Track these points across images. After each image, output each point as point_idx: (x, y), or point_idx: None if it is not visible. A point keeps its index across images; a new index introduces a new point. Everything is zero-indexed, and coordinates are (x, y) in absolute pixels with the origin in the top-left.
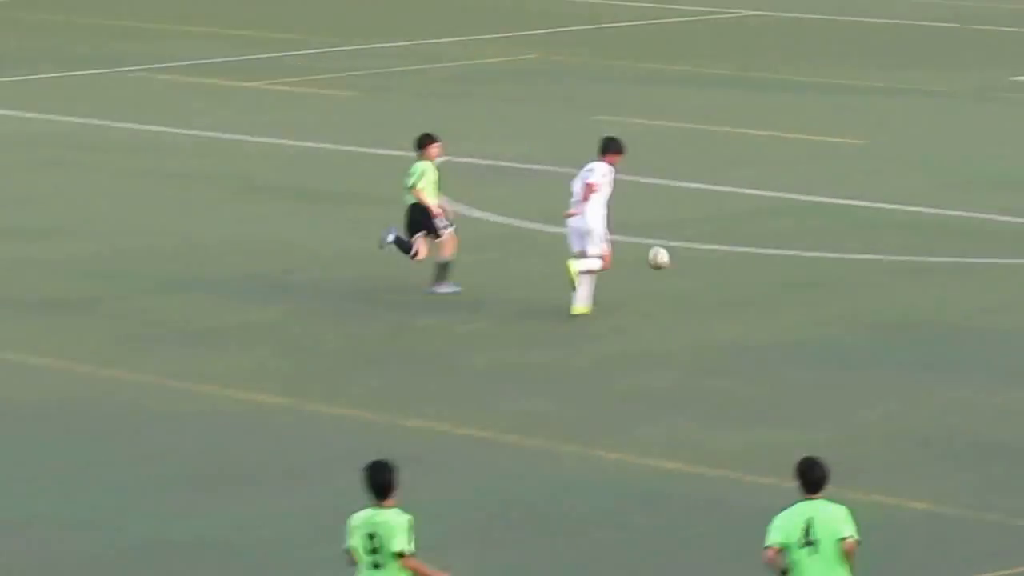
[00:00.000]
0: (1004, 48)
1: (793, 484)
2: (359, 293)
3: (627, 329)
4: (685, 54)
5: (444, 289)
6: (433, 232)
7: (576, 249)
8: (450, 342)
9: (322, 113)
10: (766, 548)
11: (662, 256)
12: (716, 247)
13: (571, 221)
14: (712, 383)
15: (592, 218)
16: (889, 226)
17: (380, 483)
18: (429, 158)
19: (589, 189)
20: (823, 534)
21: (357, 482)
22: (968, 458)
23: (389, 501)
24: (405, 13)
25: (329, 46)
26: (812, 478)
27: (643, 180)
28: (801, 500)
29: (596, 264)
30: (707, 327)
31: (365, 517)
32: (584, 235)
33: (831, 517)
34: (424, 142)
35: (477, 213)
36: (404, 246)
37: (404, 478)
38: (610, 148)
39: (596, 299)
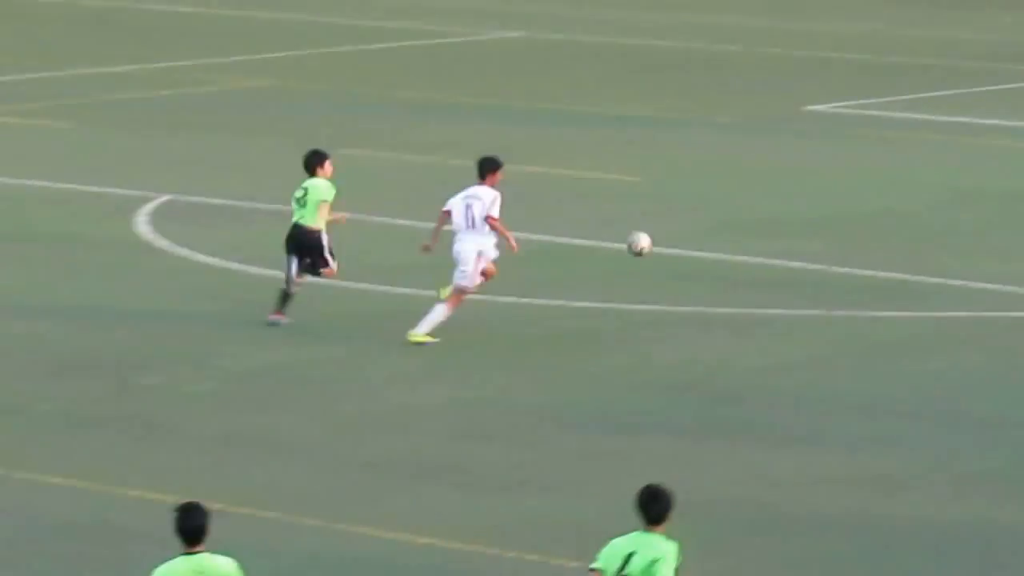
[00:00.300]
0: (796, 75)
1: (561, 562)
2: (76, 349)
3: (377, 387)
4: (440, 81)
5: (281, 320)
6: (317, 265)
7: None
8: (176, 404)
9: (30, 146)
10: (590, 569)
11: (643, 241)
12: (476, 296)
13: (460, 247)
14: (471, 447)
15: (476, 246)
16: (667, 273)
17: (193, 527)
18: (326, 175)
19: (489, 222)
20: (638, 571)
21: (75, 553)
22: (757, 531)
23: (200, 547)
24: (126, 34)
25: (35, 71)
26: (651, 512)
27: (392, 220)
28: (640, 530)
29: (441, 313)
30: (466, 384)
31: (188, 566)
32: (460, 265)
33: (654, 555)
34: (319, 159)
35: (201, 257)
36: (286, 295)
37: (126, 555)
38: (488, 168)
39: (337, 355)
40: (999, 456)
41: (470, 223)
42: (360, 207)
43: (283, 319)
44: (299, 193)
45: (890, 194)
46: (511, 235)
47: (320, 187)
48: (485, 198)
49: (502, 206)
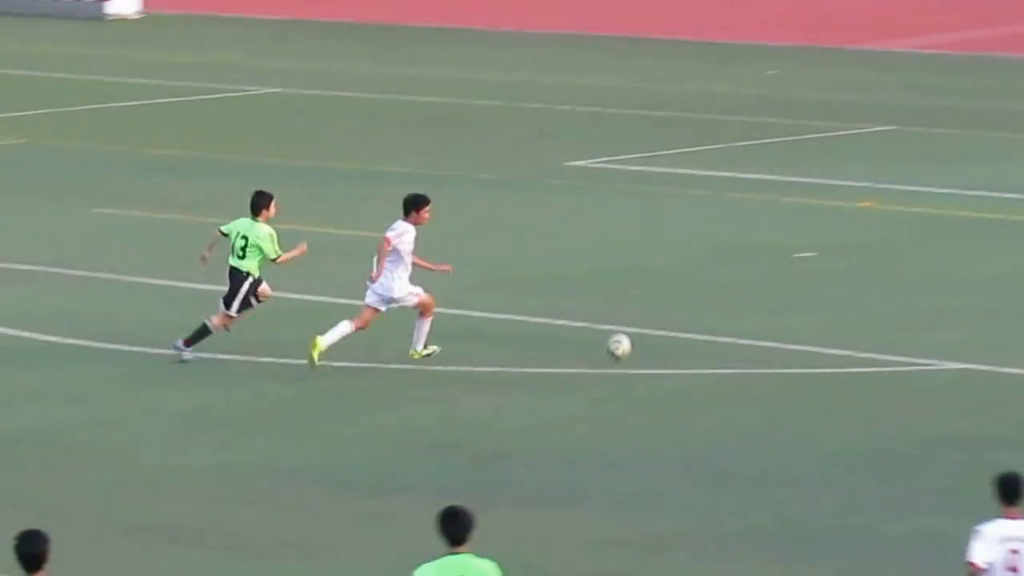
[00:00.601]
0: (558, 130)
1: None
2: None
3: (134, 450)
4: (196, 138)
5: (188, 354)
6: (246, 305)
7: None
8: None
9: None
10: None
11: (624, 345)
12: (235, 357)
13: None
14: (233, 510)
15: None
16: (432, 331)
17: (32, 553)
18: (267, 219)
19: (380, 243)
20: None
21: None
22: None
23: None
24: None
25: None
26: (452, 532)
27: (148, 281)
28: (447, 554)
29: (344, 329)
30: (228, 447)
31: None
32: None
33: (479, 573)
34: (265, 202)
35: None
36: (204, 333)
37: None
38: (413, 205)
39: (95, 418)
40: (765, 514)
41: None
42: (115, 267)
43: (188, 353)
44: (236, 238)
45: (655, 250)
46: (381, 266)
47: (263, 238)
48: (401, 231)
49: (416, 242)
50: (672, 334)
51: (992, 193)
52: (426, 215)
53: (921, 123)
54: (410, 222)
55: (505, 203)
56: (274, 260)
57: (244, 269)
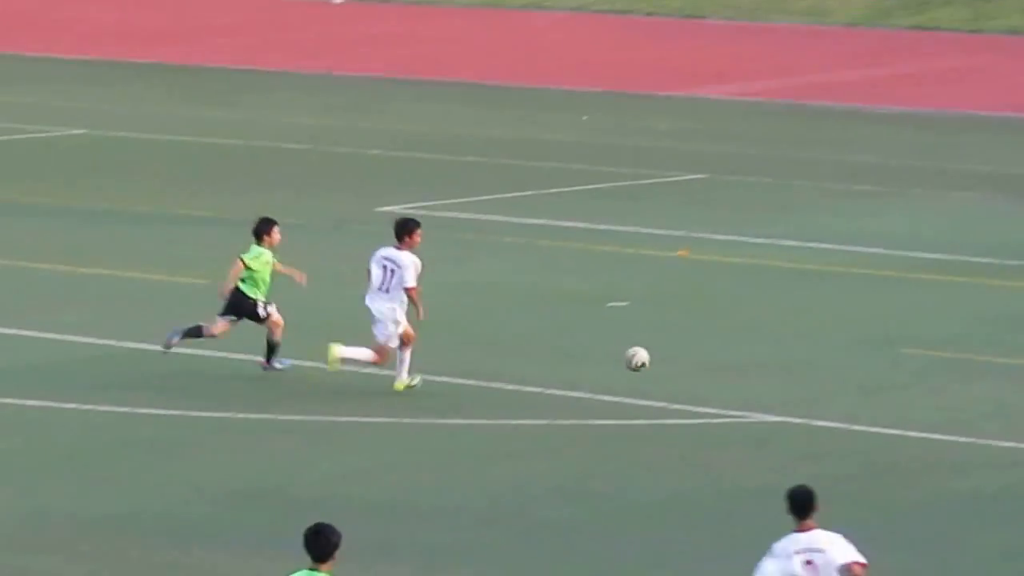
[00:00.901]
0: (368, 175)
1: None
2: None
3: None
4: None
5: (280, 365)
6: (255, 318)
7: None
8: None
9: None
10: None
11: (641, 355)
12: (40, 403)
13: (373, 306)
14: (33, 559)
15: (392, 311)
16: (236, 379)
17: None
18: (271, 245)
19: (408, 293)
20: None
21: None
22: None
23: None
24: None
25: None
26: (315, 550)
27: None
28: (308, 568)
29: (365, 355)
30: (27, 493)
31: None
32: (379, 323)
33: None
34: (267, 227)
35: None
36: (194, 332)
37: None
38: (403, 230)
39: None
40: (572, 566)
41: (385, 287)
42: None
43: (280, 363)
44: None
45: (465, 297)
46: (423, 307)
47: (263, 257)
48: (405, 266)
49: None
50: (482, 383)
51: (805, 243)
52: (418, 238)
53: (733, 171)
54: (405, 249)
55: (316, 248)
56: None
57: (251, 295)
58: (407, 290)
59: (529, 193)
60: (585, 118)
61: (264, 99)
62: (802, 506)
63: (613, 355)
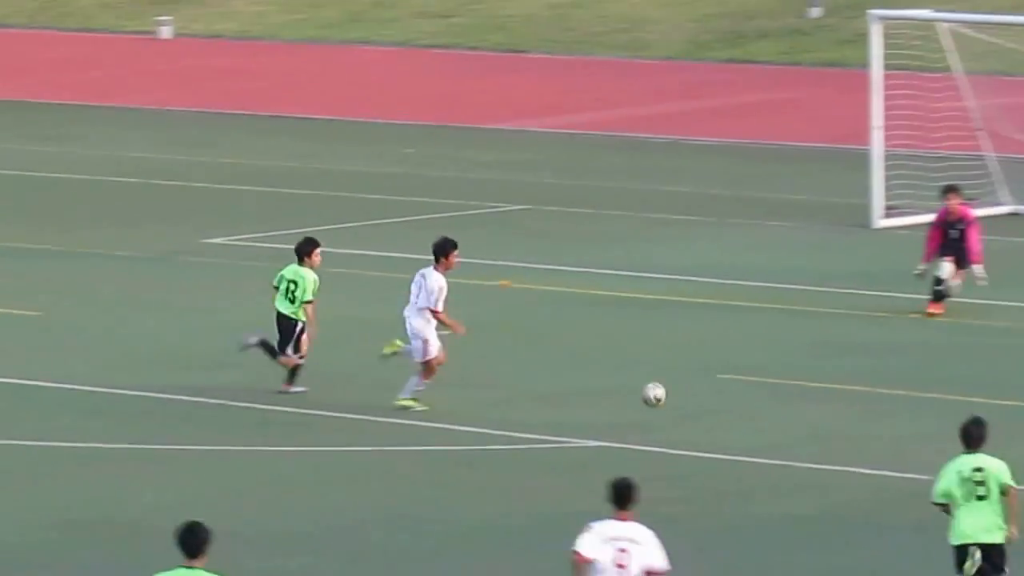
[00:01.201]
0: (197, 207)
1: None
2: None
3: None
4: None
5: (296, 389)
6: (295, 346)
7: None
8: None
9: None
10: None
11: (658, 391)
12: None
13: (408, 321)
14: None
15: (420, 328)
16: (66, 409)
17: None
18: (312, 265)
19: (434, 315)
20: None
21: None
22: None
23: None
24: None
25: None
26: (188, 546)
27: None
28: (181, 566)
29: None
30: None
31: None
32: (411, 338)
33: None
34: (309, 249)
35: None
36: (270, 349)
37: None
38: (440, 252)
39: None
40: None
41: (416, 303)
42: None
43: (296, 388)
44: (284, 284)
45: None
46: (455, 323)
47: (308, 283)
48: (431, 285)
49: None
50: (308, 412)
51: (625, 272)
52: (454, 260)
53: (555, 202)
54: (440, 270)
55: (144, 280)
56: (305, 302)
57: (292, 315)
58: (434, 313)
59: (355, 224)
60: (411, 150)
61: (94, 133)
62: (622, 496)
63: (437, 383)
